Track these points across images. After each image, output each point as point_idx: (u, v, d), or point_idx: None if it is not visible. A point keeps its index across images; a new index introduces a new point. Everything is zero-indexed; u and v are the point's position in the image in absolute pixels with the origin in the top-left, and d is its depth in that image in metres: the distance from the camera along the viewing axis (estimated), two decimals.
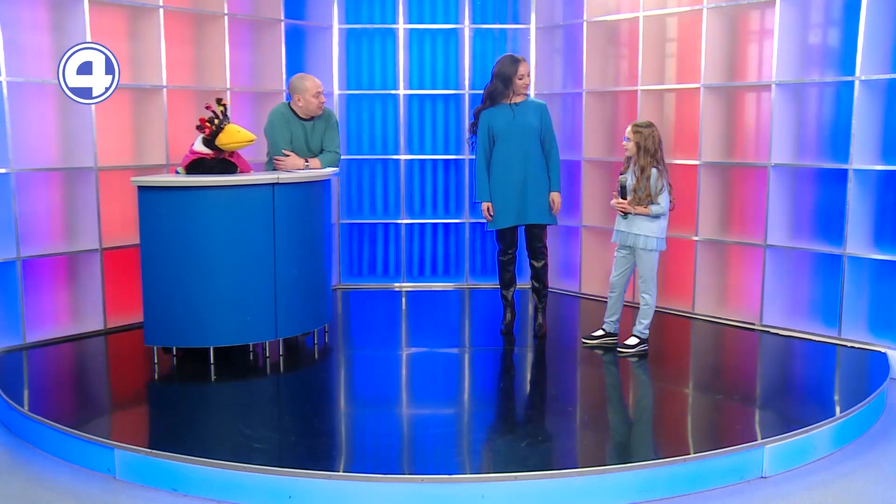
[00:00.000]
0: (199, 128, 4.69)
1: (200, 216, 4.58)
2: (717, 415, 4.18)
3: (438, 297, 6.65)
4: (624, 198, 4.87)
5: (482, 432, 3.97)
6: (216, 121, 4.66)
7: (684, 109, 5.99)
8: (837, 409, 4.02)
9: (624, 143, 4.90)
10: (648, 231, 4.85)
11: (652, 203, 4.80)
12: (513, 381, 4.82)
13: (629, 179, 4.86)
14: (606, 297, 5.12)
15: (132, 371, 4.87)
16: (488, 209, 5.21)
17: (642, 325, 4.94)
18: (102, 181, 5.42)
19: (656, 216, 4.83)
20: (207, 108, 4.71)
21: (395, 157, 6.85)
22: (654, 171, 4.81)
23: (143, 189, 4.60)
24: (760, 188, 5.52)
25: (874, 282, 5.16)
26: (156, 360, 4.78)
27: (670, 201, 4.87)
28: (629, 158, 4.91)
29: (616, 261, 5.06)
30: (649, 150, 4.81)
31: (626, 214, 4.88)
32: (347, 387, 4.72)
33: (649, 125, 4.87)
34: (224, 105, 4.71)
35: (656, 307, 4.98)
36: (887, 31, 5.02)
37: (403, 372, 4.92)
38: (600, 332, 5.12)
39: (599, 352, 5.01)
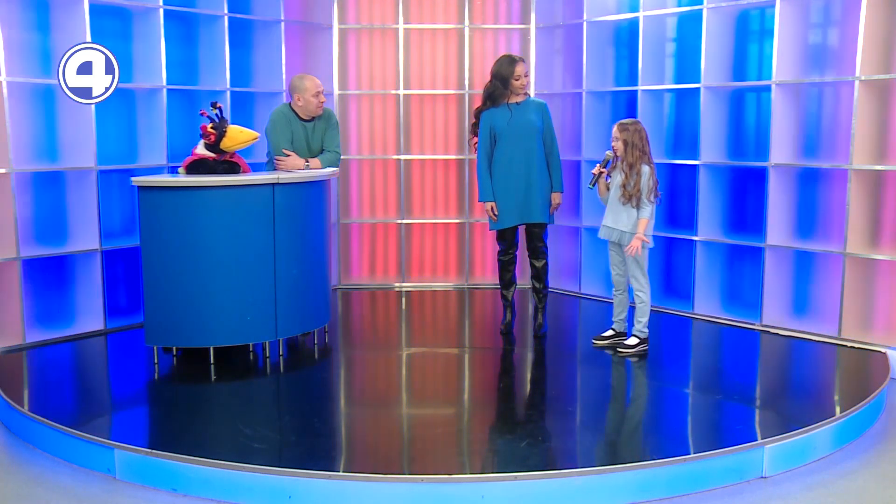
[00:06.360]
0: (203, 136, 4.70)
1: (200, 216, 4.58)
2: (717, 415, 4.17)
3: (438, 297, 6.65)
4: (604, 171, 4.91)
5: (482, 432, 3.96)
6: (217, 126, 4.67)
7: (684, 109, 5.99)
8: (837, 409, 4.02)
9: (612, 143, 4.86)
10: (634, 227, 4.83)
11: (643, 203, 4.77)
12: (513, 381, 4.82)
13: (618, 176, 4.85)
14: (606, 298, 5.12)
15: (132, 371, 4.86)
16: (492, 209, 5.21)
17: (641, 323, 4.93)
18: (102, 181, 5.43)
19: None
20: (202, 114, 4.71)
21: (394, 157, 6.86)
22: (645, 167, 4.79)
23: (143, 189, 4.60)
24: (760, 188, 5.52)
25: (873, 282, 5.16)
26: (156, 360, 4.78)
27: (657, 196, 4.86)
28: (606, 164, 4.90)
29: (610, 259, 5.05)
30: (637, 145, 4.78)
31: (594, 184, 4.93)
32: (347, 387, 4.72)
33: (634, 122, 4.87)
34: (219, 108, 4.71)
35: (656, 307, 4.96)
36: (887, 31, 5.02)
37: (403, 372, 4.92)
38: (610, 332, 5.12)
39: (609, 351, 5.01)
